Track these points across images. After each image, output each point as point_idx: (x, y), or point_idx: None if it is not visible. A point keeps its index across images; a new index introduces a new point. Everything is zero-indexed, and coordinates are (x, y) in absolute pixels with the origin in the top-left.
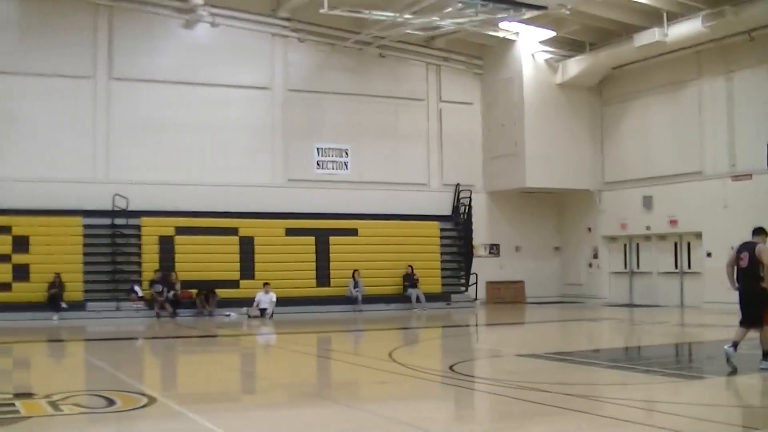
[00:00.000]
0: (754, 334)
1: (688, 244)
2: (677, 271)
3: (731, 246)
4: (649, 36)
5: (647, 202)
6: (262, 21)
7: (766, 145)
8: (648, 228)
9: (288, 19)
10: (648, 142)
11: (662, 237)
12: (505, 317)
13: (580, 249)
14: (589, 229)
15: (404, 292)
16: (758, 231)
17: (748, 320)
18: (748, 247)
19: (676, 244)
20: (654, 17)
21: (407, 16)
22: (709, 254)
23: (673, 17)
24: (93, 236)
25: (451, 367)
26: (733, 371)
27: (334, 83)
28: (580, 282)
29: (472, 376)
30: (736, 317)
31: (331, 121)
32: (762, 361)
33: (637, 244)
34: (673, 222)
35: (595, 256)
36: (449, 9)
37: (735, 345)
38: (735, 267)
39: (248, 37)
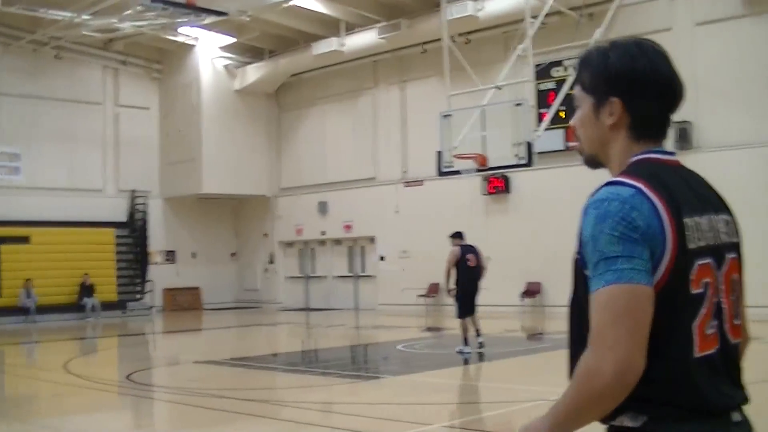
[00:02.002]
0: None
1: (362, 249)
2: (352, 274)
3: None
4: (327, 45)
5: (322, 208)
6: None
7: (437, 153)
8: (323, 233)
9: None
10: (324, 148)
11: (337, 242)
12: (183, 324)
13: (256, 254)
14: (266, 235)
15: (79, 301)
16: (460, 234)
17: (472, 311)
18: (471, 249)
19: (350, 249)
20: (333, 27)
21: (85, 16)
22: (382, 258)
23: (351, 28)
24: None
25: (128, 377)
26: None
27: (7, 84)
28: (257, 287)
29: (150, 385)
30: (453, 313)
31: (2, 124)
32: (464, 347)
33: (313, 249)
34: (348, 227)
35: (271, 262)
36: (129, 11)
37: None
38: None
39: None
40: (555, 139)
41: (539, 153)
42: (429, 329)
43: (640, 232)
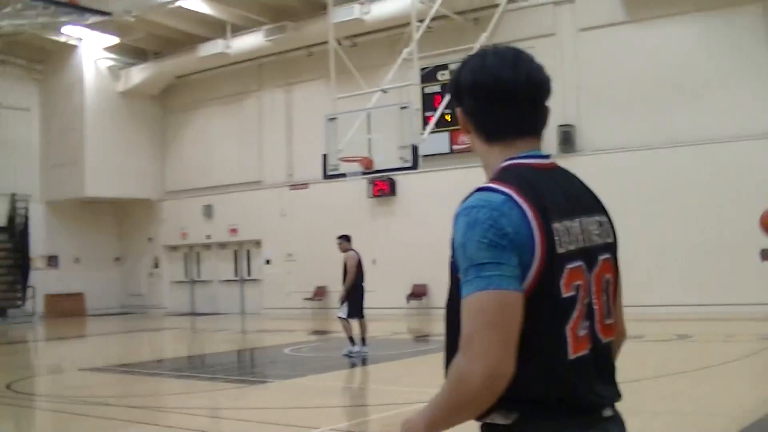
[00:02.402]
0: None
1: (248, 252)
2: (238, 278)
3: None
4: (213, 47)
5: (208, 211)
6: None
7: (322, 156)
8: (209, 237)
9: None
10: (210, 152)
11: (223, 245)
12: (66, 331)
13: (141, 259)
14: (150, 239)
15: None
16: (349, 238)
17: (362, 313)
18: (358, 253)
19: (236, 252)
20: (219, 29)
21: None
22: (268, 261)
23: (237, 30)
24: None
25: (8, 386)
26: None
27: None
28: (142, 292)
29: (32, 394)
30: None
31: None
32: (350, 348)
33: (198, 253)
34: (234, 231)
35: (156, 266)
36: (8, 9)
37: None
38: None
39: None
40: (440, 142)
41: (425, 156)
42: (315, 332)
43: (509, 238)
